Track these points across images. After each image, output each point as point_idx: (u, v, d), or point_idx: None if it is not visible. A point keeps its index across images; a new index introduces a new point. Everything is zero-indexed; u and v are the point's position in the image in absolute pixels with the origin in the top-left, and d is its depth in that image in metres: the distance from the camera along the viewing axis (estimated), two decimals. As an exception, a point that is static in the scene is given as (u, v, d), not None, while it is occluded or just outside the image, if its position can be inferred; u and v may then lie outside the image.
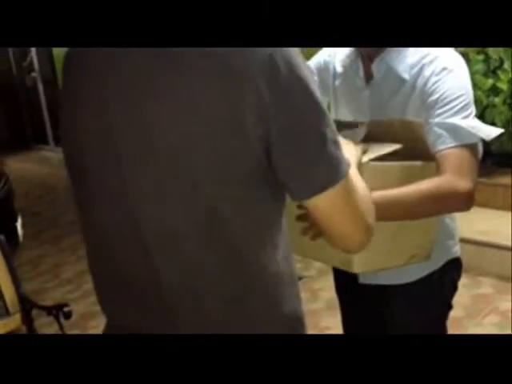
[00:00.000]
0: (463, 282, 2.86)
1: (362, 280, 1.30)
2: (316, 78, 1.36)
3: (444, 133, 1.12)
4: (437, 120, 1.13)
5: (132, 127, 0.74)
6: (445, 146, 1.12)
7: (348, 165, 0.76)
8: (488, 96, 3.43)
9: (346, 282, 1.35)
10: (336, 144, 0.74)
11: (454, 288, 1.34)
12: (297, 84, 0.71)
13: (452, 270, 1.32)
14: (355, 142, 1.06)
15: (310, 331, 2.88)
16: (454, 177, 1.09)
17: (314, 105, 0.72)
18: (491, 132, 1.14)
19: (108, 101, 0.75)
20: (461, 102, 1.13)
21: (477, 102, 4.01)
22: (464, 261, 3.34)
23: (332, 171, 0.74)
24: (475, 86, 3.52)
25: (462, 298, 2.70)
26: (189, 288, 0.78)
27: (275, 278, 0.80)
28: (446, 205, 1.13)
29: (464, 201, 1.11)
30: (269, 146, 0.72)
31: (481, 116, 3.48)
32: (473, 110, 1.15)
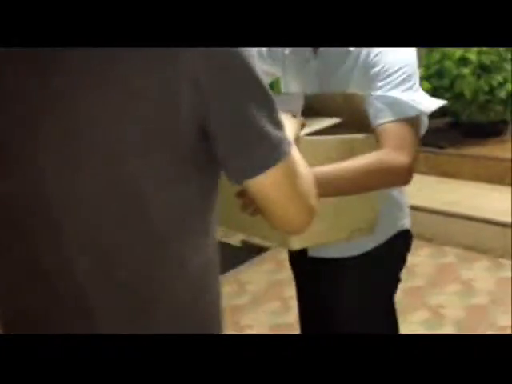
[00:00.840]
0: (428, 251, 2.94)
1: (311, 253, 1.30)
2: (264, 51, 1.33)
3: (384, 106, 1.10)
4: (378, 93, 1.11)
5: (50, 99, 0.69)
6: (384, 120, 1.10)
7: (289, 145, 0.73)
8: (457, 66, 3.43)
9: (297, 254, 1.33)
10: (277, 124, 0.72)
11: (403, 261, 1.33)
12: (234, 63, 0.68)
13: (400, 242, 1.31)
14: (293, 116, 1.04)
15: (273, 301, 2.88)
16: (392, 151, 1.08)
17: (252, 84, 0.69)
18: (432, 105, 1.13)
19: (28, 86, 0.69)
20: (402, 75, 1.10)
21: (446, 72, 3.99)
22: (430, 231, 3.36)
23: (272, 151, 0.70)
24: (445, 56, 3.51)
25: (425, 268, 2.73)
26: (102, 279, 0.72)
27: (201, 268, 0.76)
28: (384, 180, 1.11)
29: (402, 176, 1.10)
30: (204, 126, 0.69)
31: (450, 86, 3.48)
32: (416, 81, 1.13)
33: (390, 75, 1.11)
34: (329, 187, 1.01)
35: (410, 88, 1.11)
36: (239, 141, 0.70)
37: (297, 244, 1.06)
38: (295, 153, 0.76)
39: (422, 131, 1.17)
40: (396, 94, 1.10)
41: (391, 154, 1.08)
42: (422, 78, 3.57)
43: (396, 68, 1.11)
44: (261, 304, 2.52)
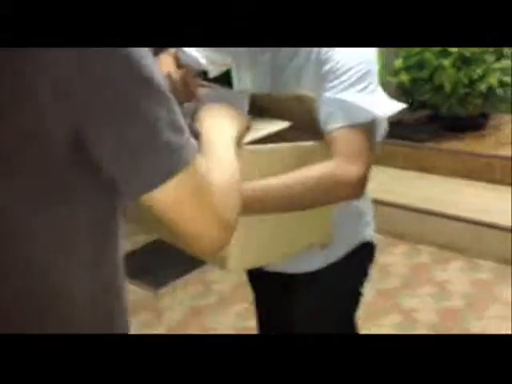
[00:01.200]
0: (401, 250, 2.85)
1: (266, 268, 1.20)
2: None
3: (334, 110, 0.98)
4: (328, 95, 0.99)
5: None
6: (334, 126, 0.98)
7: (193, 151, 0.63)
8: (437, 58, 3.33)
9: (254, 268, 1.23)
10: (176, 129, 0.61)
11: (364, 275, 1.24)
12: (117, 62, 0.58)
13: (361, 256, 1.21)
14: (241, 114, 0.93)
15: (240, 303, 2.73)
16: (342, 162, 0.96)
17: (141, 84, 0.59)
18: (390, 109, 1.01)
19: None
20: (355, 74, 0.98)
21: (426, 63, 3.87)
22: (404, 229, 3.26)
23: (168, 161, 0.60)
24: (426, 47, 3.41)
25: (398, 267, 2.65)
26: None
27: (96, 301, 0.67)
28: (333, 195, 0.99)
29: (353, 189, 0.98)
30: (80, 134, 0.59)
31: (430, 78, 3.38)
32: (372, 81, 0.99)
33: (341, 75, 0.98)
34: (271, 204, 0.91)
35: (364, 89, 0.98)
36: (125, 153, 0.59)
37: (235, 265, 0.93)
38: (212, 155, 0.68)
39: (380, 137, 1.06)
40: (348, 96, 0.97)
41: (342, 164, 0.96)
42: (401, 69, 3.48)
43: (348, 66, 0.97)
44: (227, 305, 2.40)
